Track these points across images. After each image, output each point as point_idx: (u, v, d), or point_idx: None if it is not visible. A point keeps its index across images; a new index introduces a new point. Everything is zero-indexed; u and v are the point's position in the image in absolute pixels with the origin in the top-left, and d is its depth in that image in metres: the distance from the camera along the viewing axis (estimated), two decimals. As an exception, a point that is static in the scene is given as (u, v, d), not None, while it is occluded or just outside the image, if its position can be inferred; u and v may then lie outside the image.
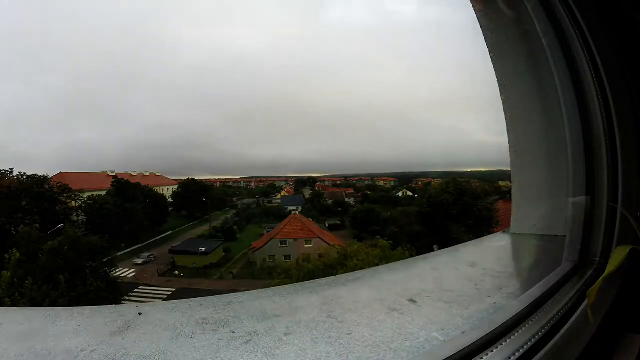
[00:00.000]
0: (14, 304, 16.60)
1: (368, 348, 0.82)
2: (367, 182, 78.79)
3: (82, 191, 39.09)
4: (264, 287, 1.25)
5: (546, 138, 1.53)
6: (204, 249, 34.84)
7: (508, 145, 1.66)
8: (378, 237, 24.06)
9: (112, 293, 21.61)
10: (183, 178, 57.79)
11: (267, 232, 39.95)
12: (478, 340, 0.80)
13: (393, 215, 39.78)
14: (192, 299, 1.07)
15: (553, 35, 1.20)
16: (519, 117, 1.61)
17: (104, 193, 40.81)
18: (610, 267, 1.03)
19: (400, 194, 61.42)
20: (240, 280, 29.91)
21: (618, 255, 1.05)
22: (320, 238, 34.01)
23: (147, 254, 36.13)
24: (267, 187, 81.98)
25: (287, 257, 32.24)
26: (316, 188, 68.96)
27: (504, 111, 1.62)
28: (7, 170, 34.66)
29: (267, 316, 0.97)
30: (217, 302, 1.06)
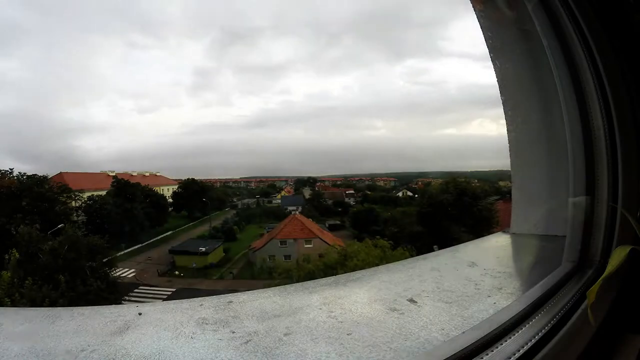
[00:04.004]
0: (14, 304, 16.56)
1: (368, 348, 0.82)
2: (367, 182, 78.73)
3: (82, 191, 39.08)
4: (264, 287, 1.25)
5: (546, 138, 1.53)
6: (203, 249, 34.77)
7: (508, 145, 1.67)
8: (378, 237, 24.01)
9: (112, 293, 21.60)
10: (183, 178, 57.71)
11: (267, 232, 39.90)
12: (478, 340, 0.80)
13: (393, 215, 39.73)
14: (192, 299, 1.08)
15: (553, 35, 1.20)
16: (519, 117, 1.61)
17: (104, 193, 40.78)
18: (610, 267, 1.03)
19: (400, 194, 61.36)
20: (240, 280, 29.88)
21: (618, 255, 1.05)
22: (320, 238, 33.96)
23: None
24: (267, 187, 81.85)
25: (287, 257, 32.21)
26: (316, 188, 68.86)
27: (504, 111, 1.62)
28: (7, 170, 34.71)
29: (267, 316, 0.97)
30: (217, 302, 1.06)
